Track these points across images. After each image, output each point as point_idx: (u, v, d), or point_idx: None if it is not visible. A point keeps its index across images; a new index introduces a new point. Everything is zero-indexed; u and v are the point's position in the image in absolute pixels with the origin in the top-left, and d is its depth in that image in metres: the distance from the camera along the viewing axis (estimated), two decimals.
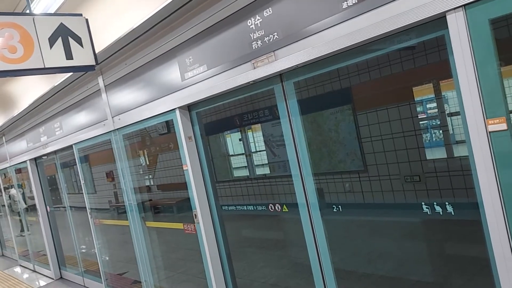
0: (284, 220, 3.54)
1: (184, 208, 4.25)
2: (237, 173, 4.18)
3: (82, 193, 6.13)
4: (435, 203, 2.45)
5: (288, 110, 3.04)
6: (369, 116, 2.73)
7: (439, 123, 2.55)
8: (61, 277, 7.94)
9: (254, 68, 3.00)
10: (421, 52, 2.38)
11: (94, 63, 3.64)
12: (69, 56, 3.43)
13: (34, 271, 8.87)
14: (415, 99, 2.51)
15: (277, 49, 2.84)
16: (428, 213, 2.49)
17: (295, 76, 2.93)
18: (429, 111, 2.63)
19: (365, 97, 2.82)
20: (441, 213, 2.43)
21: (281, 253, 3.80)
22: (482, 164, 2.03)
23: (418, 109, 2.55)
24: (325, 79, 2.90)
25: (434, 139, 2.67)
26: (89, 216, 6.02)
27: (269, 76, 2.97)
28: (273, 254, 3.87)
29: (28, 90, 6.05)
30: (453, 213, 2.39)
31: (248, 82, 3.09)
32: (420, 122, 2.55)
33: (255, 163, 4.20)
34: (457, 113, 2.29)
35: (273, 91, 3.12)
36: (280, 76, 3.01)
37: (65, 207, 7.12)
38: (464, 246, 2.56)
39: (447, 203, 2.40)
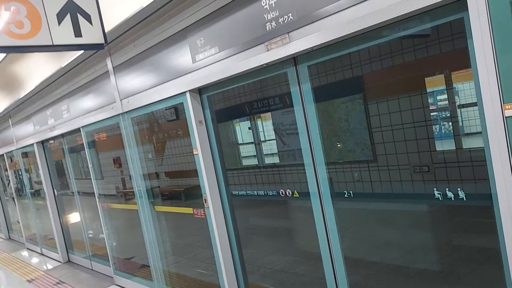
0: (295, 208, 3.51)
1: (192, 196, 4.22)
2: (245, 162, 4.14)
3: (88, 179, 6.11)
4: (441, 193, 2.44)
5: (301, 96, 2.97)
6: (379, 106, 2.70)
7: (449, 114, 2.54)
8: (69, 261, 7.98)
9: (268, 50, 2.93)
10: (434, 41, 2.34)
11: (103, 42, 3.56)
12: (78, 33, 3.35)
13: (42, 254, 8.92)
14: (427, 90, 2.49)
15: (292, 31, 2.76)
16: (440, 198, 2.46)
17: (309, 59, 2.86)
18: (441, 103, 2.61)
19: (376, 86, 2.78)
20: (452, 198, 2.41)
21: (290, 240, 3.78)
22: (497, 151, 2.00)
23: (430, 100, 2.52)
24: (336, 67, 2.84)
25: (443, 131, 2.65)
26: (97, 201, 6.00)
27: (283, 59, 2.90)
28: (282, 241, 3.84)
29: (35, 71, 6.00)
30: (459, 200, 2.38)
31: (261, 65, 3.02)
32: (431, 114, 2.54)
33: (264, 152, 4.16)
34: (468, 105, 2.32)
35: (285, 78, 3.05)
36: (294, 59, 2.94)
37: (73, 193, 7.12)
38: (471, 237, 2.58)
39: (450, 191, 2.40)
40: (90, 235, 6.96)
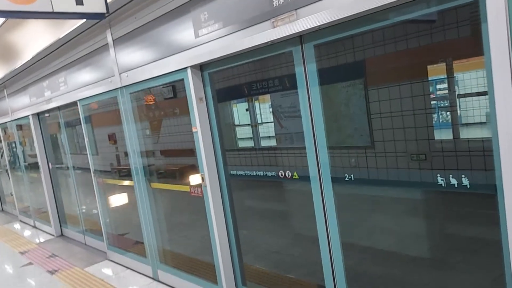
0: (293, 190, 3.48)
1: (187, 175, 4.16)
2: (241, 144, 4.10)
3: (81, 154, 6.04)
4: (444, 179, 2.43)
5: (306, 77, 2.90)
6: (380, 92, 2.67)
7: (448, 104, 2.54)
8: (62, 235, 7.96)
9: (274, 27, 2.85)
10: (439, 27, 2.30)
11: (105, 11, 3.46)
12: (79, 1, 3.25)
13: (35, 227, 8.89)
14: (429, 78, 2.46)
15: (300, 8, 2.68)
16: (443, 185, 2.45)
17: (315, 38, 2.79)
18: (442, 92, 2.59)
19: (377, 72, 2.74)
20: (455, 186, 2.39)
21: (286, 222, 3.76)
22: (506, 139, 1.97)
23: (430, 88, 2.51)
24: (339, 50, 2.79)
25: (441, 120, 2.64)
26: (92, 176, 5.94)
27: (289, 36, 2.83)
28: (278, 223, 3.83)
29: (32, 41, 5.86)
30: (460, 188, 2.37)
31: (266, 42, 2.94)
32: (431, 102, 2.52)
33: (261, 135, 4.12)
34: (468, 95, 2.33)
35: (286, 59, 2.99)
36: (300, 38, 2.86)
37: (68, 167, 7.06)
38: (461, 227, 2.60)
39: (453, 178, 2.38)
40: (84, 210, 6.93)
